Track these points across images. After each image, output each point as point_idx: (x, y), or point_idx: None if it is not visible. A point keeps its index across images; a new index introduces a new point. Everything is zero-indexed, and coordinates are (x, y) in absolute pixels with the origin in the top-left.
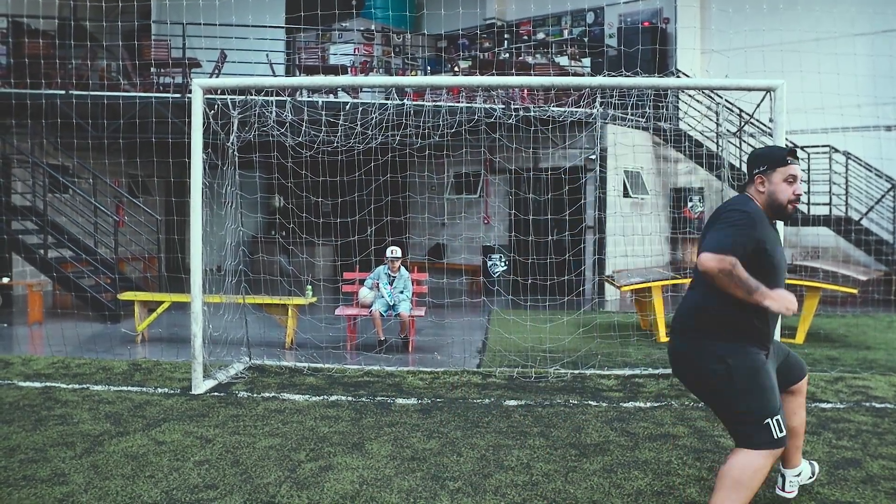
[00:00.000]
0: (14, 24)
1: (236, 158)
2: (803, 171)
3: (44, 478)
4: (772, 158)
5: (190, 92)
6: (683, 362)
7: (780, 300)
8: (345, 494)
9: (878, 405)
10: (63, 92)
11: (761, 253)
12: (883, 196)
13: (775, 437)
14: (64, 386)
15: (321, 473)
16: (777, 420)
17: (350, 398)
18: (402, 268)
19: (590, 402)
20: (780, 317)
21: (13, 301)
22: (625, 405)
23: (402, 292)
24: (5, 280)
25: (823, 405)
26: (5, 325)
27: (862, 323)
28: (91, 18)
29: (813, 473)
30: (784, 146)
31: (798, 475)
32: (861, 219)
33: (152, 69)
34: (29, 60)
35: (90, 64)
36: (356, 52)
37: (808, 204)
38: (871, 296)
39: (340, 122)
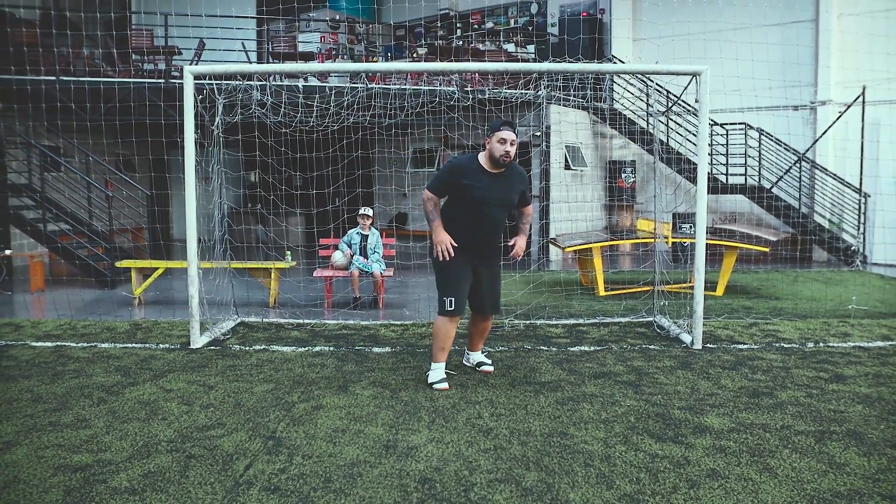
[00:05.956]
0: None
1: (221, 138)
2: (722, 145)
3: (68, 423)
4: (491, 127)
5: (172, 77)
6: None
7: (437, 238)
8: (336, 428)
9: (785, 345)
10: (54, 78)
11: (457, 189)
12: (790, 167)
13: (446, 308)
14: (73, 345)
15: (313, 412)
16: (450, 299)
17: (332, 348)
18: (373, 227)
19: (541, 348)
20: (486, 238)
21: (13, 271)
22: (571, 349)
23: (375, 251)
24: (7, 252)
25: (741, 346)
26: (9, 293)
27: (772, 277)
28: (72, 9)
29: (480, 364)
30: (501, 118)
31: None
32: (772, 187)
33: (134, 56)
34: (17, 49)
35: (76, 52)
36: (323, 41)
37: (727, 175)
38: (780, 254)
39: (316, 103)
